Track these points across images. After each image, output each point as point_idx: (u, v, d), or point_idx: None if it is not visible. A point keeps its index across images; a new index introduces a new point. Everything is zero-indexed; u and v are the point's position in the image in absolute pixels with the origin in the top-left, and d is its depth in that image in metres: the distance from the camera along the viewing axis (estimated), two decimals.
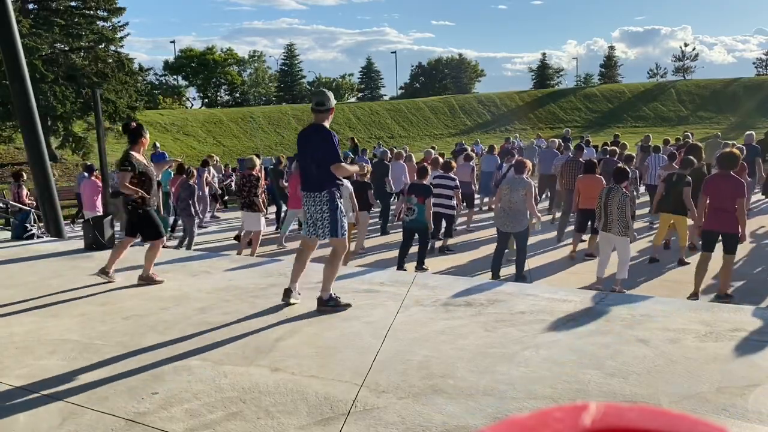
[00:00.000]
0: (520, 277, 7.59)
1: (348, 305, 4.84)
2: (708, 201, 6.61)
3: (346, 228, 5.02)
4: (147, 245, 6.19)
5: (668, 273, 7.94)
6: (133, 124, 6.09)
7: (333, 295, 4.83)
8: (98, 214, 11.14)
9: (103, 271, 6.01)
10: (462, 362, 3.62)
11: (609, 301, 4.83)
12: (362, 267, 7.67)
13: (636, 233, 7.55)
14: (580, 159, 10.77)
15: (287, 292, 4.98)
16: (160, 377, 3.57)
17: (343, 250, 4.96)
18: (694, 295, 6.59)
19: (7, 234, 9.83)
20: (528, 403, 3.08)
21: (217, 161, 16.86)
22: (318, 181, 4.78)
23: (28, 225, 9.41)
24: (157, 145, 21.33)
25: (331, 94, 4.98)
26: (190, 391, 3.37)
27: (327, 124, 4.82)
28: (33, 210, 9.99)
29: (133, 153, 5.89)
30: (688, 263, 8.16)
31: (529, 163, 8.08)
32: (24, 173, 13.31)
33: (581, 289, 6.36)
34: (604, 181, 8.79)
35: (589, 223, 8.81)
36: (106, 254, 7.57)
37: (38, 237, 9.38)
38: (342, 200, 4.93)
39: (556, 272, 8.22)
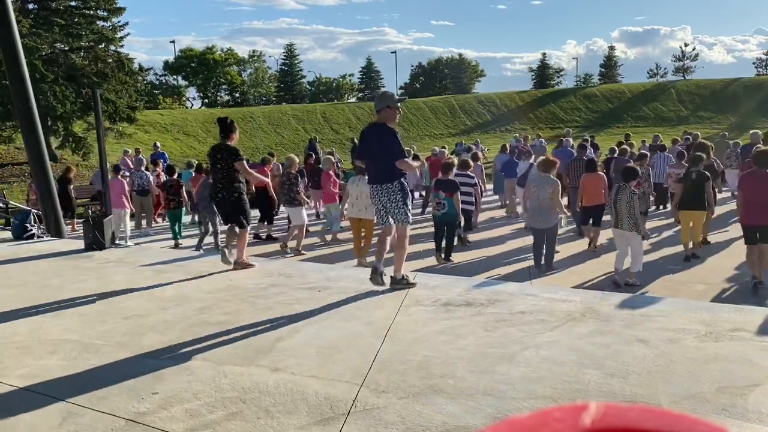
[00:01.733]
0: (550, 268, 8.05)
1: (415, 284, 5.34)
2: (744, 197, 6.90)
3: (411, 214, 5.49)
4: (235, 232, 6.55)
5: (669, 273, 7.93)
6: (229, 118, 6.60)
7: (404, 275, 5.34)
8: (126, 212, 11.38)
9: (238, 263, 6.35)
10: (462, 362, 3.62)
11: (609, 301, 4.83)
12: (363, 267, 7.67)
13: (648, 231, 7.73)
14: (585, 158, 10.88)
15: (376, 271, 5.19)
16: (160, 377, 3.57)
17: (407, 234, 5.46)
18: (759, 282, 6.88)
19: (7, 234, 9.83)
20: (528, 403, 3.08)
21: None
22: (387, 173, 5.23)
23: (28, 225, 9.42)
24: (158, 144, 21.33)
25: (388, 95, 5.55)
26: (190, 391, 3.37)
27: (390, 122, 5.34)
28: (33, 210, 9.99)
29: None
30: (699, 257, 8.29)
31: (557, 162, 8.50)
32: None
33: (581, 289, 6.36)
34: (606, 179, 9.05)
35: (591, 219, 9.22)
36: (107, 254, 7.58)
37: (38, 237, 9.38)
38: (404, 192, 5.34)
39: (556, 272, 8.22)
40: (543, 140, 23.69)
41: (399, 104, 5.47)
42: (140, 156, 16.70)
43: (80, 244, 8.20)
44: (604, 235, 9.41)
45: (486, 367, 3.53)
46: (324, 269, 6.58)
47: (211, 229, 10.41)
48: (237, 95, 64.36)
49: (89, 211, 14.31)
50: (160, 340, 4.24)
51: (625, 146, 13.20)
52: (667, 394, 3.14)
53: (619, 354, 3.66)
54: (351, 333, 4.25)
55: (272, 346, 4.03)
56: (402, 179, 5.29)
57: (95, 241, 7.89)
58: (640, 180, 8.18)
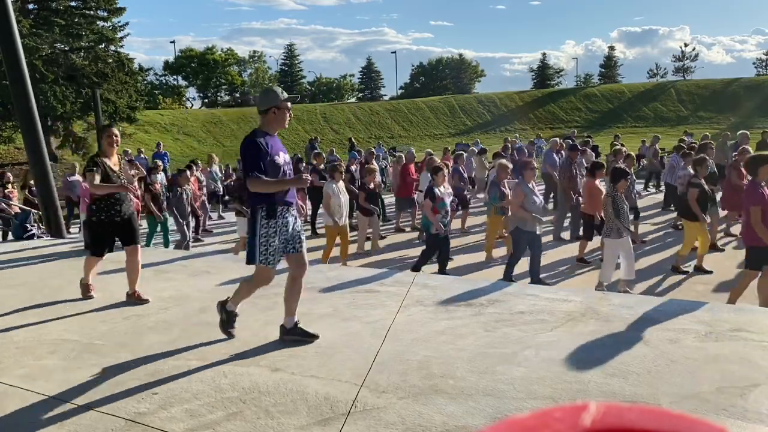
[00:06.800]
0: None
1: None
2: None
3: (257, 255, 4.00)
4: None
5: (669, 273, 7.93)
6: None
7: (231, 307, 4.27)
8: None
9: None
10: (462, 362, 3.62)
11: (609, 301, 4.83)
12: (362, 267, 7.67)
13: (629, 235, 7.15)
14: (575, 160, 10.59)
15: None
16: (160, 377, 3.57)
17: (259, 277, 4.14)
18: None
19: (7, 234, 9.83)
20: (528, 403, 3.08)
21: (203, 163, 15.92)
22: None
23: (28, 225, 9.42)
24: (160, 144, 21.32)
25: (267, 92, 4.21)
26: (190, 391, 3.37)
27: (269, 127, 4.22)
28: (33, 210, 10.00)
29: None
30: (687, 272, 7.95)
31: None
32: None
33: (581, 289, 6.35)
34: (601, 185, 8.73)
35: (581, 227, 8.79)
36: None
37: (38, 237, 9.38)
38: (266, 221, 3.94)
39: (555, 273, 8.22)
40: (542, 140, 23.67)
41: (289, 104, 4.15)
42: (142, 156, 16.59)
43: (80, 244, 8.19)
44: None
45: (486, 367, 3.53)
46: (324, 269, 6.58)
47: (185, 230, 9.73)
48: (237, 95, 64.41)
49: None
50: (160, 340, 4.24)
51: (618, 147, 12.75)
52: (667, 394, 3.14)
53: (619, 354, 3.66)
54: (351, 333, 4.25)
55: (272, 346, 4.03)
56: (260, 206, 3.90)
57: None
58: (628, 181, 7.47)
